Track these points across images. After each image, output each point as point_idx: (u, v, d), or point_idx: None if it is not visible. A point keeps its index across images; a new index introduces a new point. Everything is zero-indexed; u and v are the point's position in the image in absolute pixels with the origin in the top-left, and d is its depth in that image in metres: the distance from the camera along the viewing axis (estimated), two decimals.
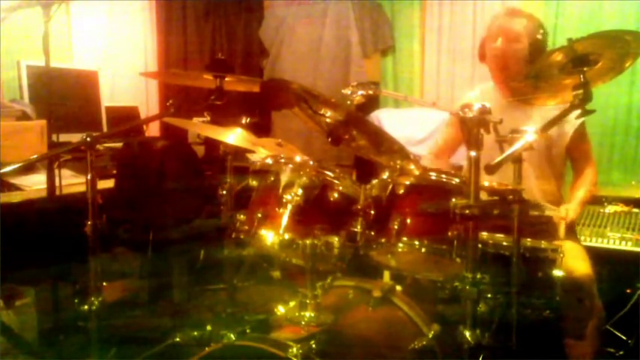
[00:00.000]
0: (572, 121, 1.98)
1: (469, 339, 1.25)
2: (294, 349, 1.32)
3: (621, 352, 2.28)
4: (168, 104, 1.79)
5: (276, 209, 1.48)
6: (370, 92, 1.56)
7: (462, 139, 2.26)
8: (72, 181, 2.26)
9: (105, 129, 3.00)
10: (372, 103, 3.78)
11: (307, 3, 4.25)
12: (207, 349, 1.46)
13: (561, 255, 1.48)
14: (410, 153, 1.52)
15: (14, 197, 2.13)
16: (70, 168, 2.34)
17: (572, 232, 2.03)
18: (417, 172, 1.45)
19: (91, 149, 1.64)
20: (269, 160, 1.61)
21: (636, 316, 2.22)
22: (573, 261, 1.78)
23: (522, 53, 2.00)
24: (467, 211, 1.20)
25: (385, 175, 1.48)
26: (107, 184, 2.41)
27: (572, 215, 1.92)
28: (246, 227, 1.60)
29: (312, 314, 1.45)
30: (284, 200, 1.47)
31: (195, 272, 2.59)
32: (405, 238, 1.39)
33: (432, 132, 3.30)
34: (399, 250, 1.41)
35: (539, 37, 2.04)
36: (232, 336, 1.55)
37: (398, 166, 1.48)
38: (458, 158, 2.44)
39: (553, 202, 2.08)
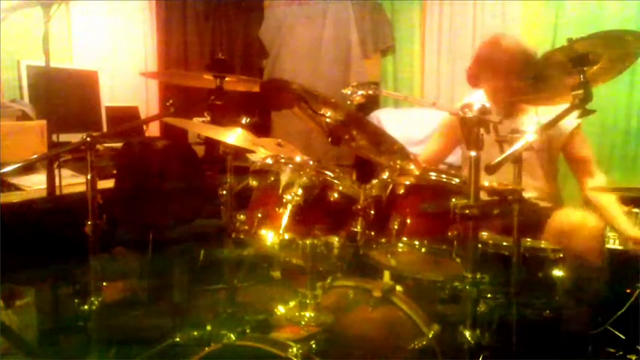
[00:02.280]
0: (567, 123, 1.96)
1: (469, 339, 1.25)
2: (294, 349, 1.32)
3: (621, 352, 2.28)
4: (168, 104, 1.79)
5: (276, 209, 1.48)
6: (370, 92, 1.56)
7: (451, 147, 2.28)
8: (72, 181, 2.26)
9: (105, 129, 2.99)
10: (372, 103, 3.78)
11: (307, 3, 4.25)
12: (207, 349, 1.46)
13: (561, 255, 1.48)
14: (410, 153, 1.52)
15: (14, 197, 2.13)
16: (70, 168, 2.34)
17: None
18: (417, 172, 1.45)
19: (91, 149, 1.64)
20: (269, 160, 1.61)
21: (636, 317, 2.22)
22: (585, 215, 1.79)
23: (512, 79, 1.98)
24: (467, 211, 1.20)
25: (385, 175, 1.48)
26: (107, 184, 2.41)
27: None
28: (246, 227, 1.60)
29: (312, 314, 1.45)
30: (284, 200, 1.47)
31: (195, 272, 2.59)
32: (405, 238, 1.39)
33: (431, 132, 3.30)
34: (399, 250, 1.41)
35: (530, 64, 1.96)
36: (232, 336, 1.55)
37: (398, 166, 1.48)
38: (458, 158, 2.44)
39: (546, 200, 2.08)
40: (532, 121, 1.98)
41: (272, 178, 1.55)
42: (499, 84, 2.02)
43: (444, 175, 1.43)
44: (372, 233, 1.45)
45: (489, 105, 2.11)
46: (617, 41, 1.36)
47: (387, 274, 1.82)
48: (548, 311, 1.49)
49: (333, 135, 1.56)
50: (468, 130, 1.24)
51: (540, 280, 1.47)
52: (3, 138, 2.16)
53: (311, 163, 1.53)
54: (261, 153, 1.81)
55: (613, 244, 2.34)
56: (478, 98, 2.19)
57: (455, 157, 2.47)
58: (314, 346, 1.38)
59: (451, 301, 1.53)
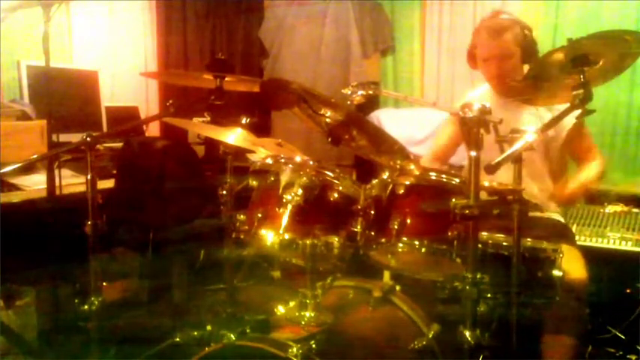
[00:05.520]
0: (566, 121, 1.95)
1: (469, 339, 1.25)
2: (294, 349, 1.32)
3: (621, 352, 2.28)
4: (168, 104, 1.78)
5: (276, 209, 1.48)
6: (370, 92, 1.56)
7: (459, 140, 2.28)
8: (72, 181, 2.26)
9: (105, 129, 2.99)
10: (372, 103, 3.78)
11: (307, 3, 4.25)
12: (207, 349, 1.46)
13: (561, 255, 1.48)
14: (410, 153, 1.52)
15: (14, 197, 2.13)
16: (70, 168, 2.34)
17: (569, 234, 2.03)
18: (417, 172, 1.45)
19: (91, 149, 1.64)
20: (269, 160, 1.61)
21: (636, 317, 2.23)
22: (569, 263, 1.77)
23: (513, 63, 2.02)
24: (467, 211, 1.20)
25: (385, 175, 1.48)
26: (107, 184, 2.41)
27: (561, 192, 1.93)
28: (246, 227, 1.60)
29: (312, 314, 1.45)
30: (284, 200, 1.47)
31: (195, 272, 2.59)
32: (405, 238, 1.39)
33: (432, 132, 3.30)
34: (399, 250, 1.41)
35: (526, 38, 2.03)
36: (232, 336, 1.55)
37: (398, 166, 1.48)
38: (458, 158, 2.44)
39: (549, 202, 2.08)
40: (532, 115, 1.98)
41: (272, 178, 1.55)
42: (492, 60, 2.04)
43: (444, 175, 1.43)
44: (372, 233, 1.45)
45: (488, 89, 2.15)
46: (617, 41, 1.36)
47: (387, 274, 1.82)
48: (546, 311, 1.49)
49: (333, 135, 1.56)
50: (468, 130, 1.24)
51: (540, 280, 1.47)
52: (3, 138, 2.16)
53: (311, 163, 1.53)
54: (261, 153, 1.81)
55: (613, 244, 2.35)
56: (480, 94, 2.19)
57: (455, 157, 2.47)
58: (314, 346, 1.38)
59: (451, 301, 1.53)
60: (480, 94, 2.20)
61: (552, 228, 1.98)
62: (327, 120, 1.57)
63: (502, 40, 2.02)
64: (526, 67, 2.06)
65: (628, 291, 2.27)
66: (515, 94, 1.73)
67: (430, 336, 1.54)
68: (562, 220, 2.12)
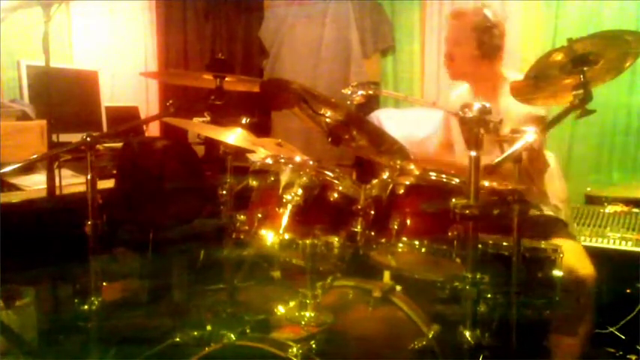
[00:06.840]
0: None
1: (469, 339, 1.25)
2: (294, 349, 1.33)
3: (621, 352, 2.28)
4: (168, 104, 1.79)
5: (276, 209, 1.48)
6: (370, 92, 1.56)
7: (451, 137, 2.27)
8: (72, 181, 2.26)
9: (105, 129, 2.99)
10: (372, 103, 3.78)
11: (307, 3, 4.25)
12: (207, 349, 1.46)
13: (561, 255, 1.48)
14: (410, 153, 1.52)
15: (14, 197, 2.13)
16: (70, 168, 2.34)
17: (569, 232, 2.03)
18: (417, 172, 1.45)
19: (91, 149, 1.65)
20: (269, 160, 1.61)
21: (636, 317, 2.23)
22: (575, 260, 1.77)
23: (466, 49, 2.02)
24: (467, 211, 1.20)
25: (385, 175, 1.48)
26: (107, 184, 2.41)
27: None
28: (246, 227, 1.60)
29: (312, 314, 1.45)
30: (284, 200, 1.47)
31: (195, 272, 2.59)
32: (405, 238, 1.39)
33: (431, 132, 3.30)
34: (399, 250, 1.41)
35: (488, 30, 2.00)
36: (232, 336, 1.56)
37: (398, 166, 1.48)
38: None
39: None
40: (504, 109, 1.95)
41: (272, 178, 1.55)
42: (448, 42, 2.07)
43: (444, 175, 1.43)
44: (372, 233, 1.45)
45: (468, 87, 2.14)
46: (617, 41, 1.36)
47: (387, 274, 1.82)
48: (548, 311, 1.49)
49: (333, 135, 1.57)
50: (468, 130, 1.24)
51: (540, 280, 1.47)
52: (3, 138, 2.16)
53: (311, 163, 1.53)
54: (261, 153, 1.81)
55: (613, 244, 2.35)
56: (461, 92, 2.19)
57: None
58: (314, 346, 1.39)
59: (451, 301, 1.53)
60: (461, 92, 2.21)
61: (549, 224, 1.97)
62: (327, 120, 1.57)
63: (459, 22, 2.05)
64: (498, 66, 2.05)
65: (628, 291, 2.27)
66: (516, 94, 1.73)
67: (430, 336, 1.54)
68: (553, 214, 2.11)
